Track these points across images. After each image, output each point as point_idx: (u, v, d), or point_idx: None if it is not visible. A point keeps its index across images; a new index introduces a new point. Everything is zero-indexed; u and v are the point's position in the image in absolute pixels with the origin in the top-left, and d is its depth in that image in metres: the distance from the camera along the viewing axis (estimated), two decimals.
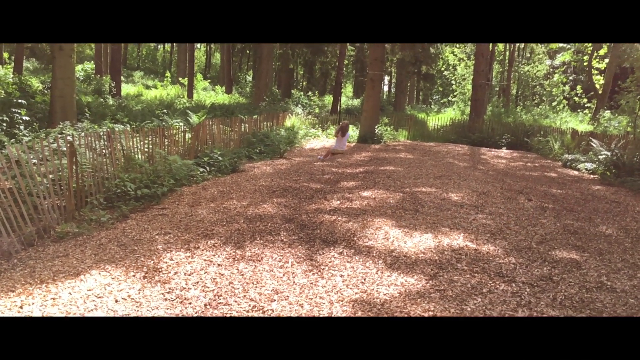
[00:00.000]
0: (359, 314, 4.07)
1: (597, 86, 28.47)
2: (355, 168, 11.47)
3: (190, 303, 4.19)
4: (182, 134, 10.74)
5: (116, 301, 4.14)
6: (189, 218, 6.78)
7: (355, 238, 6.03)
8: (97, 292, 4.31)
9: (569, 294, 4.61)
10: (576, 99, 28.32)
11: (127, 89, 32.60)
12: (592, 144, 14.06)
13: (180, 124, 13.89)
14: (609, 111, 25.47)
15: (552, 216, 7.68)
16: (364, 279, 4.79)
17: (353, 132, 18.74)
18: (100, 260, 5.16)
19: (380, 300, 4.34)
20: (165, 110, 16.11)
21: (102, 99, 20.79)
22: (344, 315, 4.04)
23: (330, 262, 5.24)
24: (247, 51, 55.05)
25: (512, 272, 5.08)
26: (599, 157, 13.10)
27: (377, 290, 4.55)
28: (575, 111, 29.61)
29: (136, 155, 8.64)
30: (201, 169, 9.84)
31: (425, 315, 4.08)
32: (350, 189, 8.91)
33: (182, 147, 10.52)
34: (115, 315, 3.88)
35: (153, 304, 4.14)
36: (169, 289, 4.47)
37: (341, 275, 4.87)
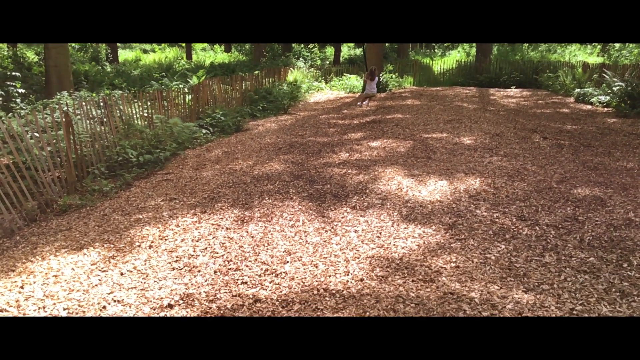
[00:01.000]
0: (377, 270, 3.86)
1: None
2: (362, 118, 11.13)
3: (199, 271, 4.00)
4: (182, 96, 10.40)
5: (121, 274, 3.96)
6: (194, 182, 6.55)
7: (367, 190, 5.78)
8: (101, 265, 4.12)
9: (596, 234, 4.36)
10: None
11: (124, 54, 32.00)
12: (605, 75, 13.54)
13: (180, 85, 13.57)
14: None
15: (569, 153, 7.38)
16: (380, 233, 4.56)
17: (357, 82, 18.29)
18: (104, 231, 4.97)
19: (399, 255, 4.12)
20: (163, 73, 15.70)
21: (99, 67, 20.35)
22: (360, 272, 3.83)
23: (343, 217, 5.01)
24: None
25: (534, 215, 4.83)
26: (613, 88, 12.61)
27: (394, 244, 4.32)
28: (584, 43, 28.64)
29: (136, 121, 8.36)
30: (204, 131, 9.57)
31: (447, 267, 3.86)
32: (358, 140, 8.61)
33: (183, 110, 10.21)
34: (122, 289, 3.70)
35: (160, 274, 3.95)
36: (177, 257, 4.27)
37: (355, 231, 4.64)
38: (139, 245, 4.53)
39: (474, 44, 28.11)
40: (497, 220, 4.72)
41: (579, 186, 5.74)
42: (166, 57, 27.63)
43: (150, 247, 4.50)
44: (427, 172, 6.40)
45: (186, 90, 10.83)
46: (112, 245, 4.56)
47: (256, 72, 15.83)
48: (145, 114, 8.68)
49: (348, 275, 3.81)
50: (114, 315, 3.30)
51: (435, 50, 35.48)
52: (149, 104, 8.84)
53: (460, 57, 27.44)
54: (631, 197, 5.35)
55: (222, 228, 4.89)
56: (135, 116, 8.41)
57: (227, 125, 10.18)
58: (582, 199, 5.29)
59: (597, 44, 27.30)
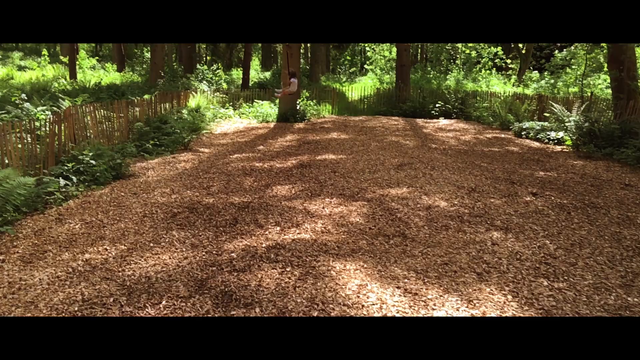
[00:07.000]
0: None
1: (520, 45, 27.12)
2: (285, 160, 8.62)
3: None
4: (32, 131, 7.20)
5: None
6: (14, 296, 3.67)
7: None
8: None
9: None
10: (497, 60, 26.73)
11: None
12: (552, 108, 12.05)
13: (47, 112, 10.39)
14: (536, 71, 24.14)
15: (584, 221, 5.34)
16: None
17: (271, 109, 15.85)
18: None
19: None
20: (24, 96, 12.24)
21: None
22: None
23: None
24: None
25: None
26: (566, 124, 11.09)
27: None
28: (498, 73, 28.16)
29: None
30: (63, 182, 6.57)
31: None
32: (289, 199, 6.09)
33: (35, 150, 7.08)
34: None
35: None
36: None
37: None
38: None
39: (391, 70, 26.71)
40: None
41: None
42: (43, 76, 23.63)
43: None
44: (415, 271, 3.98)
45: (48, 119, 7.67)
46: None
47: (147, 95, 12.91)
48: None
49: None
50: None
51: (341, 76, 33.82)
52: None
53: (372, 83, 25.83)
54: None
55: None
56: None
57: (101, 172, 7.23)
58: None
59: (512, 73, 26.84)
